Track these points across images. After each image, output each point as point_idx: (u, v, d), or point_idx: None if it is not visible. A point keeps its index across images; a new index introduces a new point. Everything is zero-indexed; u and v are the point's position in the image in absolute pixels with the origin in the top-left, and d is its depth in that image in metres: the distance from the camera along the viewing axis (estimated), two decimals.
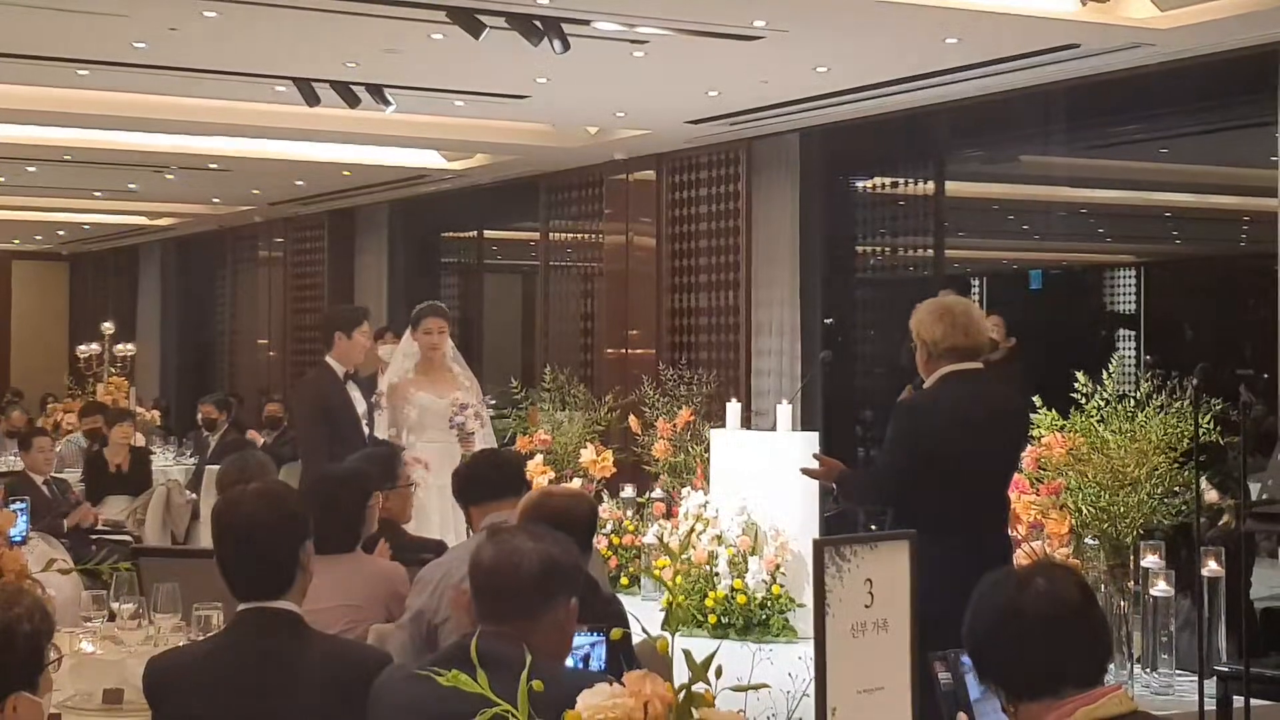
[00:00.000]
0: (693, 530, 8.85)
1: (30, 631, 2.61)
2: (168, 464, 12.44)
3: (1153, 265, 15.93)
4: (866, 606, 2.81)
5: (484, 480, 4.70)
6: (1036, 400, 6.85)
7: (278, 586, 3.21)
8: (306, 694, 3.13)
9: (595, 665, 3.23)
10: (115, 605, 4.49)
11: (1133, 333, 15.44)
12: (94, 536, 9.37)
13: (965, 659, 2.80)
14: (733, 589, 8.60)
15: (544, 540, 3.00)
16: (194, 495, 11.23)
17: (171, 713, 3.21)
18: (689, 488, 9.76)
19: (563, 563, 2.98)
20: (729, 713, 2.32)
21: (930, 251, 11.10)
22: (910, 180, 11.23)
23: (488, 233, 16.40)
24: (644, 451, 10.66)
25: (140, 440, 11.76)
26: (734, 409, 9.50)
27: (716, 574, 8.72)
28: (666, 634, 2.46)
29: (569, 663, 3.07)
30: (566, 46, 7.85)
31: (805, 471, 5.36)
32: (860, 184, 11.83)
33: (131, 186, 15.66)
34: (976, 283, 16.08)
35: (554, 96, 10.09)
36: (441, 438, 7.57)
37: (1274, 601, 6.50)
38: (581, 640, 3.17)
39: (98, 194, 16.42)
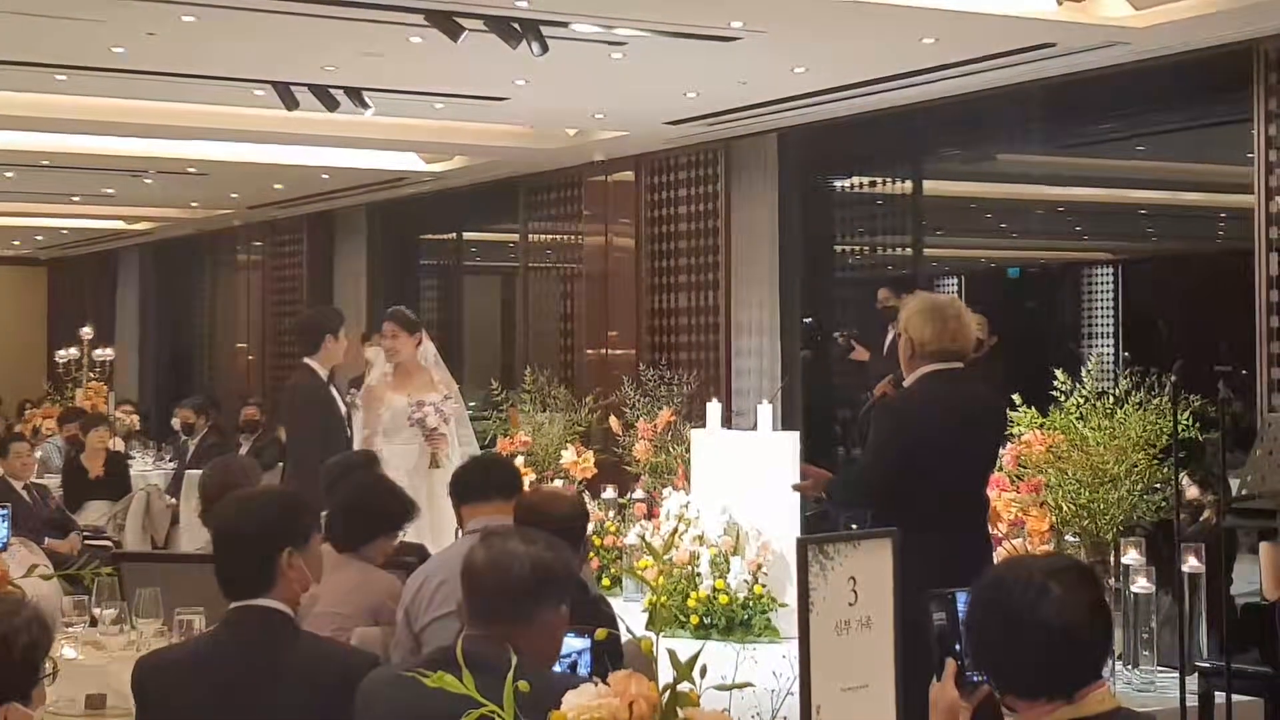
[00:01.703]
0: (675, 531, 8.85)
1: (29, 643, 2.59)
2: (147, 469, 12.38)
3: (1129, 262, 16.00)
4: (850, 604, 2.82)
5: (474, 479, 4.71)
6: (1016, 398, 6.87)
7: (255, 587, 3.22)
8: (291, 691, 3.13)
9: (583, 672, 3.22)
10: (97, 610, 4.49)
11: (1110, 329, 15.51)
12: None
13: (963, 599, 2.77)
14: (715, 589, 8.60)
15: (536, 544, 2.99)
16: (174, 500, 11.19)
17: (158, 710, 3.22)
18: (670, 488, 9.76)
19: (554, 568, 2.97)
20: (714, 712, 2.32)
21: (909, 250, 11.13)
22: (888, 180, 11.26)
23: (467, 235, 16.38)
24: (625, 452, 10.66)
25: (118, 445, 11.72)
26: (714, 409, 9.51)
27: (698, 574, 8.72)
28: (650, 634, 2.46)
29: (556, 668, 3.06)
30: (545, 48, 7.85)
31: (796, 488, 5.37)
32: (839, 184, 11.85)
33: (109, 191, 15.60)
34: (954, 281, 16.14)
35: (532, 98, 10.09)
36: (412, 440, 7.56)
37: (1254, 597, 6.52)
38: (569, 647, 3.16)
39: (76, 199, 16.35)
